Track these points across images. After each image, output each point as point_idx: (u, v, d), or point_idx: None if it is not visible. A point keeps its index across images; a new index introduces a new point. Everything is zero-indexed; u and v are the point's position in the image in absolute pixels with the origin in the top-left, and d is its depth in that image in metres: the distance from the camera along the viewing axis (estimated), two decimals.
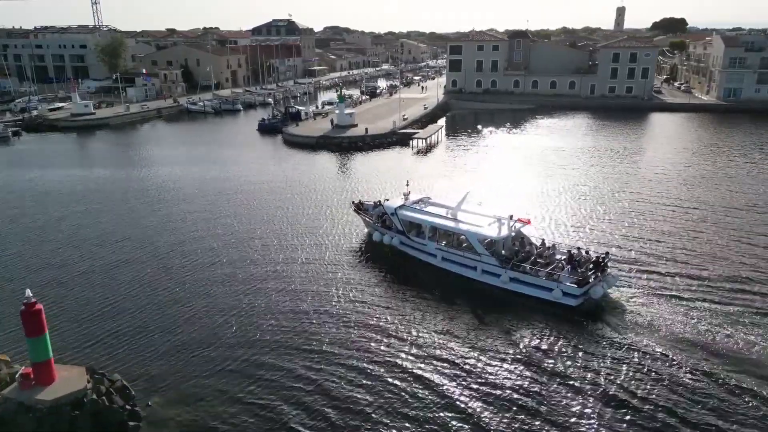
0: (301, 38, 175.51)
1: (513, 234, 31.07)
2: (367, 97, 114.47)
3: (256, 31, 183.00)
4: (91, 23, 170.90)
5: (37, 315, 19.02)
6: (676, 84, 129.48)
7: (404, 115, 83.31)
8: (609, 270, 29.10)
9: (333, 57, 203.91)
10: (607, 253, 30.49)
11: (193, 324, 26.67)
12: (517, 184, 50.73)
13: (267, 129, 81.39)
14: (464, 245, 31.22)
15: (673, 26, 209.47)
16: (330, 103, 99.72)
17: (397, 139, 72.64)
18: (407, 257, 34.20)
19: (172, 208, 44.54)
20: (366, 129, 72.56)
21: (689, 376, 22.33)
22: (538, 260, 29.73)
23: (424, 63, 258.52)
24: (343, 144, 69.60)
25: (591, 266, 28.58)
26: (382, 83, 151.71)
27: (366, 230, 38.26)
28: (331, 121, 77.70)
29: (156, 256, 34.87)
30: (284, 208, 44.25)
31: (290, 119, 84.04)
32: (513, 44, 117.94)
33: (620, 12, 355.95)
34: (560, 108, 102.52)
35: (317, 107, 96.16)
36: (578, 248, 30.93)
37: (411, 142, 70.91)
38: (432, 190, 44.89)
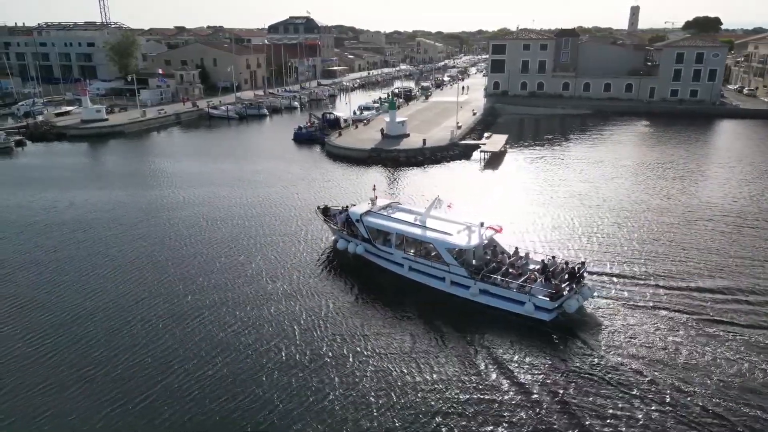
0: (320, 36, 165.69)
1: (485, 242, 29.39)
2: (403, 100, 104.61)
3: (273, 28, 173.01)
4: (98, 20, 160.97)
5: None
6: (731, 87, 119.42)
7: (458, 123, 73.54)
8: (585, 281, 27.32)
9: (351, 57, 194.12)
10: (584, 263, 28.24)
11: None
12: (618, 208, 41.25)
13: (304, 138, 71.57)
14: (433, 254, 29.49)
15: (706, 25, 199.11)
16: (367, 108, 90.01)
17: (459, 151, 62.86)
18: (373, 267, 32.08)
19: (241, 263, 33.42)
20: (424, 140, 62.73)
21: (666, 396, 20.78)
22: (510, 270, 27.84)
23: (443, 63, 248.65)
24: (401, 158, 59.71)
25: (566, 277, 26.86)
26: (409, 84, 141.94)
27: (332, 238, 35.79)
28: (381, 130, 67.79)
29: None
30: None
31: (328, 127, 74.32)
32: (560, 43, 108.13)
33: (634, 11, 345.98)
34: (619, 113, 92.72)
35: (355, 113, 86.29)
36: (553, 257, 29.07)
37: (481, 155, 61.20)
38: (550, 231, 35.33)
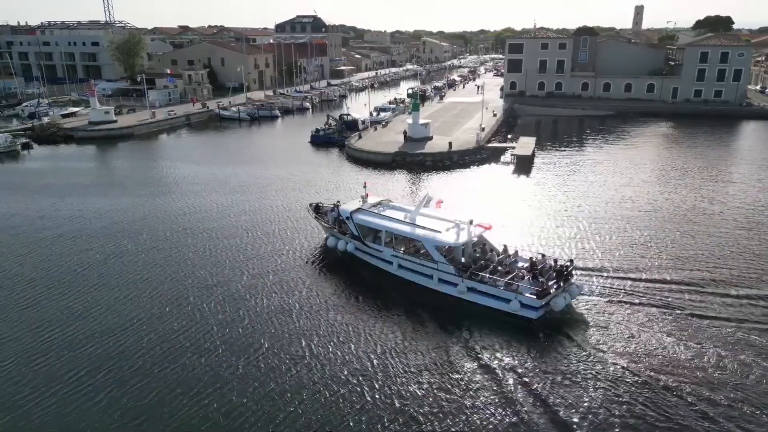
0: (328, 36, 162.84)
1: (474, 240, 29.38)
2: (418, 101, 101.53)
3: (280, 27, 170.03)
4: (102, 19, 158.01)
5: None
6: (751, 87, 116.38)
7: (482, 126, 70.72)
8: (573, 279, 27.11)
9: (358, 56, 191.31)
10: (572, 261, 27.80)
11: None
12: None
13: (322, 141, 68.79)
14: (422, 252, 29.37)
15: (717, 24, 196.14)
16: (384, 110, 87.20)
17: (487, 155, 60.08)
18: (363, 264, 32.04)
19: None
20: (450, 143, 59.93)
21: (655, 393, 20.44)
22: (498, 268, 27.75)
23: (449, 62, 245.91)
24: (427, 162, 56.96)
25: (554, 275, 26.54)
26: (415, 84, 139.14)
27: (324, 235, 35.58)
28: (404, 132, 65.01)
29: None
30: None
31: (346, 129, 71.49)
32: (579, 42, 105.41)
33: (638, 11, 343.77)
34: (643, 114, 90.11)
35: (371, 114, 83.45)
36: (542, 255, 28.59)
37: (511, 158, 58.44)
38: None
